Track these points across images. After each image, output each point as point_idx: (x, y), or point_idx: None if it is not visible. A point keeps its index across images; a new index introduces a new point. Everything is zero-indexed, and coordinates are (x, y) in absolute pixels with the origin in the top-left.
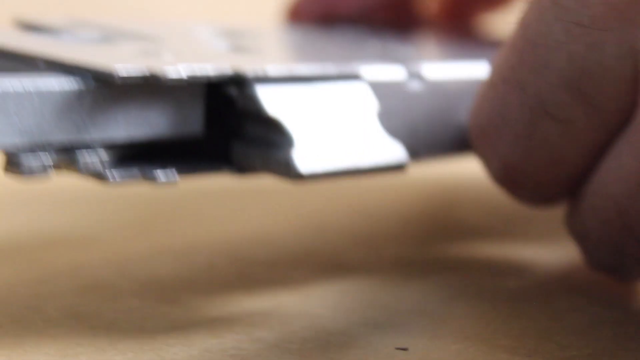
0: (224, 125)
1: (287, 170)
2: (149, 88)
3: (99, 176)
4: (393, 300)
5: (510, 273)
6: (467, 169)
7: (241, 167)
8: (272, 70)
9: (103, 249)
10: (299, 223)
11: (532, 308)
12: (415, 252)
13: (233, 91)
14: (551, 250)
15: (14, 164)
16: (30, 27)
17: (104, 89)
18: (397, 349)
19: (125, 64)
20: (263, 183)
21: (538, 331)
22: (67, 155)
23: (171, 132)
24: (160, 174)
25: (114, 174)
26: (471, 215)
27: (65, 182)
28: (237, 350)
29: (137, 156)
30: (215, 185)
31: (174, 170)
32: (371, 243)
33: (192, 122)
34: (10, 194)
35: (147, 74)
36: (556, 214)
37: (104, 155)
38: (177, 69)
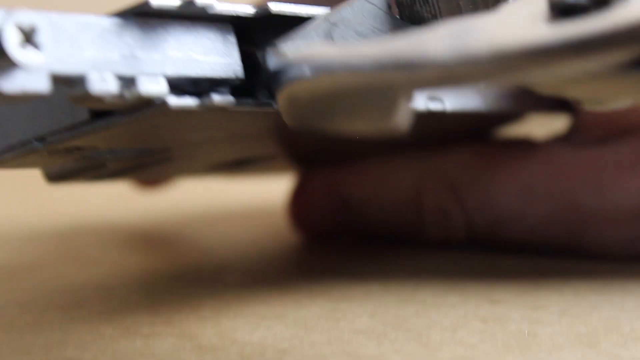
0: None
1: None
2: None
3: (160, 102)
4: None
5: None
6: None
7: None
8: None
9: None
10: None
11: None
12: None
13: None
14: None
15: (81, 85)
16: None
17: (148, 21)
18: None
19: None
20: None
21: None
22: (129, 82)
23: (214, 72)
24: (216, 97)
25: (173, 100)
26: None
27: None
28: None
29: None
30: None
31: (229, 95)
32: None
33: (232, 62)
34: None
35: (180, 3)
36: None
37: (163, 83)
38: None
